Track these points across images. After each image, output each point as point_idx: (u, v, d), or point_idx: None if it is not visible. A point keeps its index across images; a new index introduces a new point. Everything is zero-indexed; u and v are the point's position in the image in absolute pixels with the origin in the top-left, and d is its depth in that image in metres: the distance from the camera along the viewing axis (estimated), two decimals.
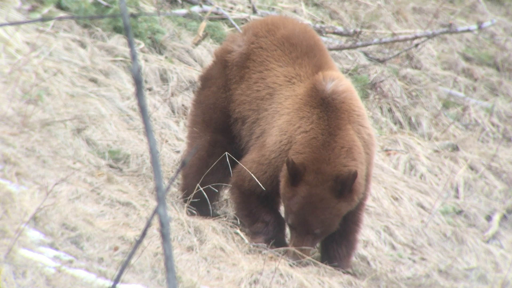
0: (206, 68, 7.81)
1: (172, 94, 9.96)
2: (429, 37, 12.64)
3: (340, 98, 7.08)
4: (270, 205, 7.35)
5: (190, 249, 6.92)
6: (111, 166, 8.08)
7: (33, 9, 9.87)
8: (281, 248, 7.24)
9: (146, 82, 10.10)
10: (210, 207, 7.54)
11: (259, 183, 7.16)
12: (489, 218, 10.12)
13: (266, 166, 7.16)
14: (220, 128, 7.52)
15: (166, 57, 10.56)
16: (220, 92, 7.52)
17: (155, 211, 3.15)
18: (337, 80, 7.15)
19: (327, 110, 7.07)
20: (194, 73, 10.32)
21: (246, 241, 7.34)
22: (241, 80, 7.43)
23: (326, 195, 6.91)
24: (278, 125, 7.15)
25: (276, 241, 7.30)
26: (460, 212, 10.05)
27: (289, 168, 6.90)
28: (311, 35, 7.43)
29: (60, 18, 4.37)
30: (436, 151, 11.17)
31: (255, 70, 7.39)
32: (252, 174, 7.17)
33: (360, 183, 7.02)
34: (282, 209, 8.25)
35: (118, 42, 10.19)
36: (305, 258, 7.06)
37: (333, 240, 7.26)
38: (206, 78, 7.66)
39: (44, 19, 10.44)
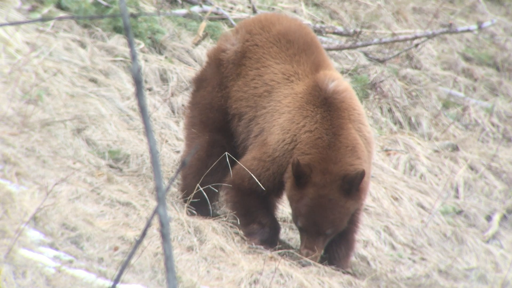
0: (199, 70, 7.80)
1: (172, 94, 9.96)
2: (429, 37, 12.64)
3: (340, 98, 7.10)
4: (268, 207, 7.34)
5: (190, 249, 6.91)
6: (111, 166, 8.07)
7: (33, 9, 9.87)
8: (291, 250, 7.25)
9: (146, 82, 10.10)
10: (210, 207, 7.54)
11: (257, 181, 7.14)
12: (489, 218, 10.12)
13: (270, 163, 7.13)
14: (218, 127, 7.51)
15: (166, 57, 10.56)
16: (215, 91, 7.51)
17: (155, 211, 3.15)
18: (338, 80, 7.17)
19: (329, 109, 7.07)
20: (194, 73, 10.32)
21: (247, 241, 7.33)
22: (238, 77, 7.42)
23: (334, 195, 6.91)
24: (279, 124, 7.14)
25: (270, 243, 7.29)
26: (460, 212, 10.05)
27: (294, 170, 6.88)
28: (307, 31, 7.42)
29: (60, 18, 4.37)
30: (436, 151, 11.17)
31: (251, 67, 7.38)
32: (250, 173, 7.15)
33: (367, 182, 7.05)
34: (282, 211, 8.25)
35: (118, 42, 10.19)
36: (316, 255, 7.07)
37: (332, 241, 7.25)
38: (200, 80, 7.64)
39: (44, 19, 10.44)
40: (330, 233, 7.06)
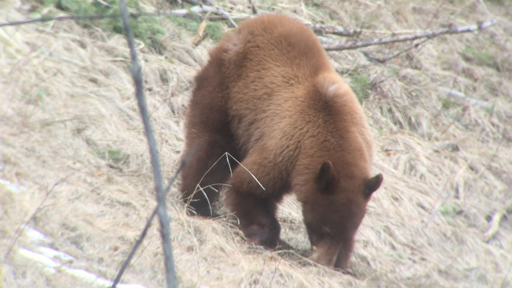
0: (201, 69, 7.79)
1: (172, 94, 9.96)
2: (429, 37, 12.64)
3: (341, 101, 7.10)
4: (267, 209, 7.34)
5: (190, 249, 6.92)
6: (111, 166, 8.07)
7: (33, 9, 9.87)
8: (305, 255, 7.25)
9: (146, 82, 10.10)
10: (210, 207, 7.54)
11: (259, 183, 7.14)
12: (489, 218, 10.12)
13: (270, 168, 7.11)
14: (218, 128, 7.50)
15: (166, 57, 10.56)
16: (216, 91, 7.50)
17: (155, 211, 3.15)
18: (337, 83, 7.16)
19: (331, 113, 7.07)
20: (196, 72, 10.32)
21: (247, 242, 7.33)
22: (239, 78, 7.41)
23: (360, 200, 6.93)
24: (281, 128, 7.12)
25: (270, 243, 7.29)
26: (460, 212, 10.05)
27: (326, 175, 6.84)
28: (309, 34, 7.41)
29: (60, 18, 4.37)
30: (436, 151, 11.17)
31: (252, 69, 7.36)
32: (253, 175, 7.14)
33: None
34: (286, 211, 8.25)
35: (118, 42, 10.19)
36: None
37: None
38: (201, 79, 7.63)
39: (44, 19, 10.44)
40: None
